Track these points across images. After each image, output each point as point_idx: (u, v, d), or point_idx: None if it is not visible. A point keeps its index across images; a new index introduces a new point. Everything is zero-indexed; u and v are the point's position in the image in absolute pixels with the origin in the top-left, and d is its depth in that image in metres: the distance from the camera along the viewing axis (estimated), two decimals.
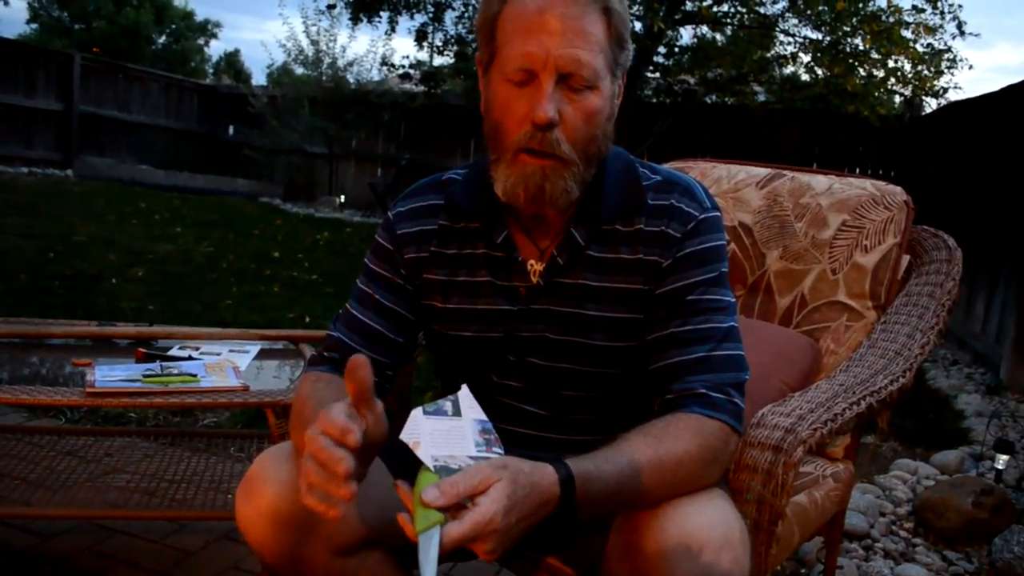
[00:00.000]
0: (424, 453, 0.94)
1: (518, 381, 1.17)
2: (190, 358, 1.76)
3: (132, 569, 1.93)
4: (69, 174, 10.26)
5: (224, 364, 1.69)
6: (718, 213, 1.15)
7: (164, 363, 1.69)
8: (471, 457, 0.94)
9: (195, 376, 1.61)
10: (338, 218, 9.72)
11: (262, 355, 1.92)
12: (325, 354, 1.20)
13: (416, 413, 0.97)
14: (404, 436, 0.95)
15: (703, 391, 1.05)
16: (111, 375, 1.59)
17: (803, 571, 2.10)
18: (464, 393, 1.01)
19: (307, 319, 4.19)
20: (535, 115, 1.03)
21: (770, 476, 1.09)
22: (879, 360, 1.47)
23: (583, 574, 1.14)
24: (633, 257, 1.12)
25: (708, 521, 0.95)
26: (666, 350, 1.09)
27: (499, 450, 0.97)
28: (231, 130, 12.64)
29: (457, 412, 0.99)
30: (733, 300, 1.13)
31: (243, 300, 4.56)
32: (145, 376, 1.59)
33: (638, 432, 1.01)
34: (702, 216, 1.13)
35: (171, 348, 1.85)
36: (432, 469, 0.92)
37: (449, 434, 0.96)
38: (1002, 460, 2.63)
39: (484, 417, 0.99)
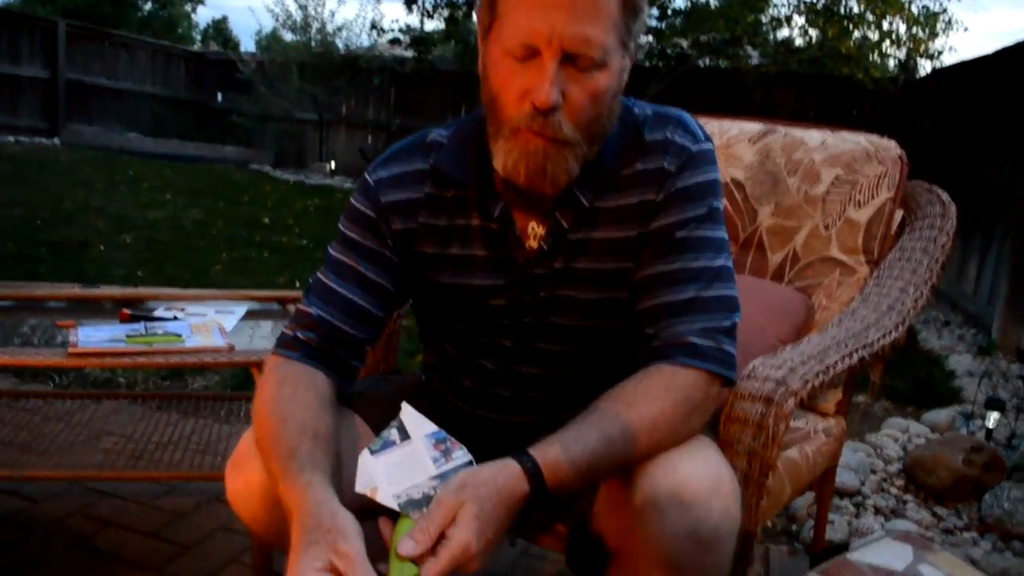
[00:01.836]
0: (384, 496, 0.91)
1: (510, 342, 1.14)
2: (175, 319, 1.74)
3: (122, 531, 1.93)
4: (56, 142, 10.14)
5: (210, 324, 1.67)
6: (711, 146, 1.09)
7: (148, 324, 1.66)
8: (433, 477, 0.92)
9: (180, 336, 1.59)
10: (328, 184, 9.64)
11: (249, 316, 1.89)
12: (299, 334, 1.08)
13: (364, 458, 0.94)
14: (359, 487, 0.93)
15: (687, 338, 1.00)
16: (94, 336, 1.56)
17: (794, 527, 2.10)
18: (407, 412, 0.98)
19: (297, 284, 4.17)
20: (536, 98, 0.95)
21: (761, 428, 1.08)
22: (872, 314, 1.45)
23: (574, 530, 1.13)
24: (633, 202, 1.07)
25: (697, 472, 0.93)
26: (652, 290, 1.05)
27: (460, 453, 0.95)
28: (220, 97, 12.50)
29: (405, 436, 0.96)
30: (726, 237, 1.08)
31: (233, 266, 4.53)
32: (129, 337, 1.56)
33: (607, 399, 0.98)
34: (696, 149, 1.07)
35: (156, 310, 1.83)
36: (399, 509, 0.90)
37: (404, 463, 0.94)
38: (993, 418, 2.64)
39: (434, 428, 0.97)
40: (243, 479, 1.04)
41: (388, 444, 0.94)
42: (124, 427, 2.23)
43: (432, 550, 0.84)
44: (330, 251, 1.13)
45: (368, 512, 0.91)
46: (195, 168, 9.21)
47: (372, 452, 0.93)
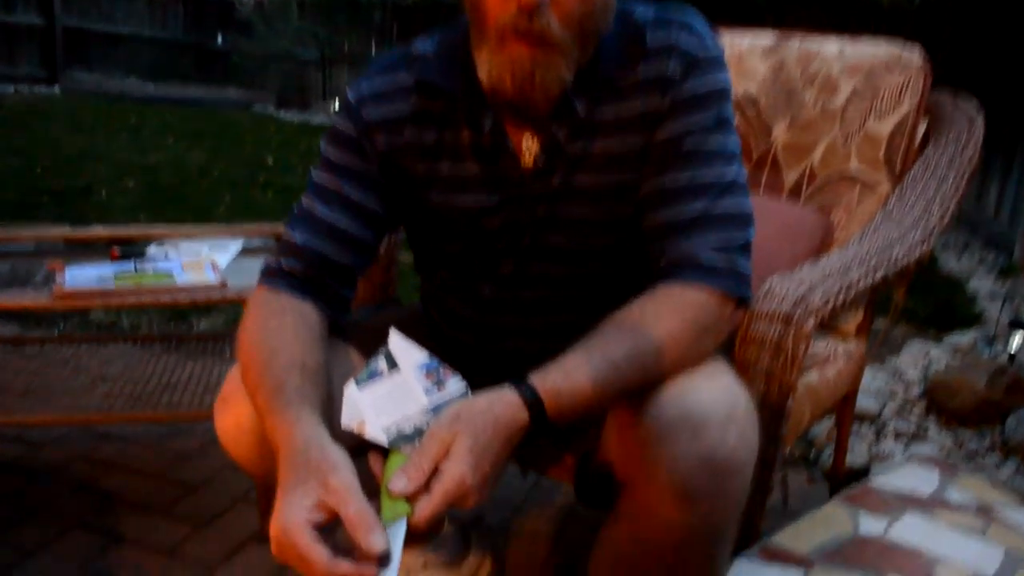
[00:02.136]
0: (372, 431, 0.85)
1: (508, 267, 1.06)
2: (166, 257, 1.68)
3: (127, 474, 1.90)
4: (56, 90, 10.00)
5: (202, 261, 1.61)
6: (720, 49, 1.00)
7: (139, 263, 1.60)
8: (425, 410, 0.86)
9: (170, 275, 1.53)
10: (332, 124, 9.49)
11: (245, 253, 1.83)
12: (283, 264, 1.01)
13: (349, 391, 0.87)
14: (345, 422, 0.86)
15: (698, 255, 0.93)
16: (82, 276, 1.50)
17: (812, 453, 2.05)
18: (395, 340, 0.90)
19: None
20: None
21: (779, 350, 1.01)
22: (895, 230, 1.37)
23: (581, 460, 1.07)
24: (635, 110, 0.98)
25: (709, 397, 0.87)
26: (658, 205, 0.97)
27: (454, 383, 0.88)
28: (219, 39, 12.26)
29: (393, 365, 0.89)
30: (738, 147, 0.99)
31: (236, 207, 4.46)
32: (117, 276, 1.50)
33: (611, 323, 0.90)
34: (703, 53, 0.98)
35: (148, 248, 1.76)
36: (388, 444, 0.84)
37: (393, 395, 0.87)
38: (1016, 340, 2.56)
39: (425, 356, 0.89)
40: (232, 417, 0.99)
41: (375, 375, 0.87)
42: (127, 370, 2.19)
43: (426, 486, 0.79)
44: (312, 176, 1.06)
45: (362, 452, 0.86)
46: (196, 111, 9.07)
47: (358, 384, 0.87)
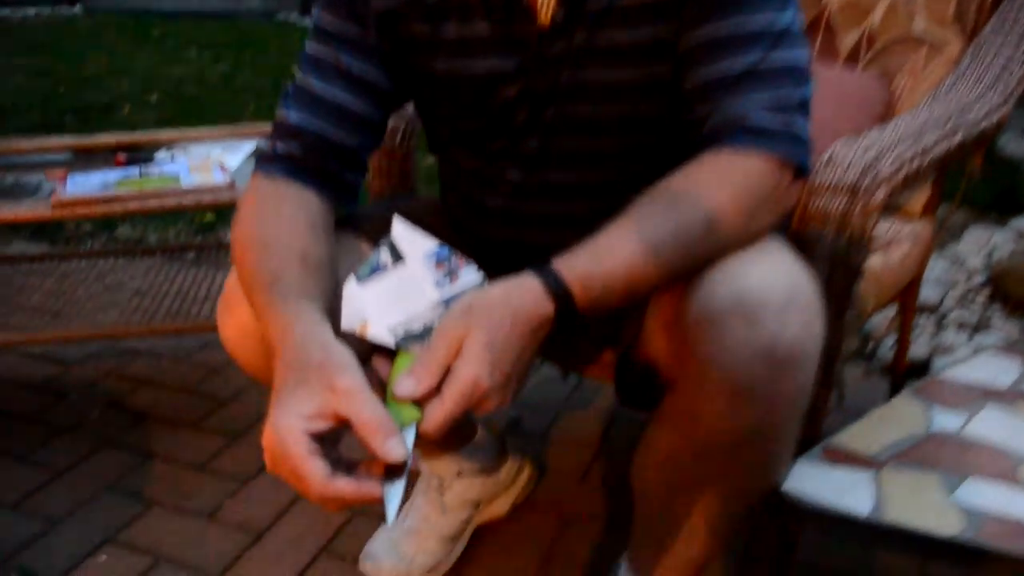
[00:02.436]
0: (377, 331, 0.74)
1: (533, 144, 0.93)
2: (173, 160, 1.58)
3: (157, 389, 1.86)
4: (77, 10, 9.83)
5: (210, 163, 1.50)
6: None
7: (144, 167, 1.51)
8: (436, 304, 0.75)
9: (176, 177, 1.43)
10: None
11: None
12: (278, 148, 0.90)
13: (350, 288, 0.76)
14: (345, 324, 0.75)
15: (748, 116, 0.79)
16: (83, 184, 1.42)
17: (869, 346, 1.94)
18: (399, 228, 0.78)
19: None
20: None
21: (845, 226, 0.89)
22: (970, 92, 1.22)
23: (621, 358, 0.97)
24: None
25: (767, 279, 0.74)
26: (701, 60, 0.82)
27: (468, 272, 0.76)
28: None
29: (398, 257, 0.77)
30: None
31: (260, 116, 4.34)
32: (120, 182, 1.41)
33: (648, 198, 0.78)
34: None
35: (158, 153, 1.66)
36: (395, 345, 0.73)
37: (399, 290, 0.76)
38: None
39: (434, 244, 0.77)
40: (234, 320, 0.90)
41: (378, 269, 0.77)
42: (155, 285, 2.12)
43: (437, 389, 0.69)
44: (306, 48, 0.93)
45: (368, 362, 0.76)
46: (220, 23, 8.86)
47: (359, 280, 0.76)
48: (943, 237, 2.60)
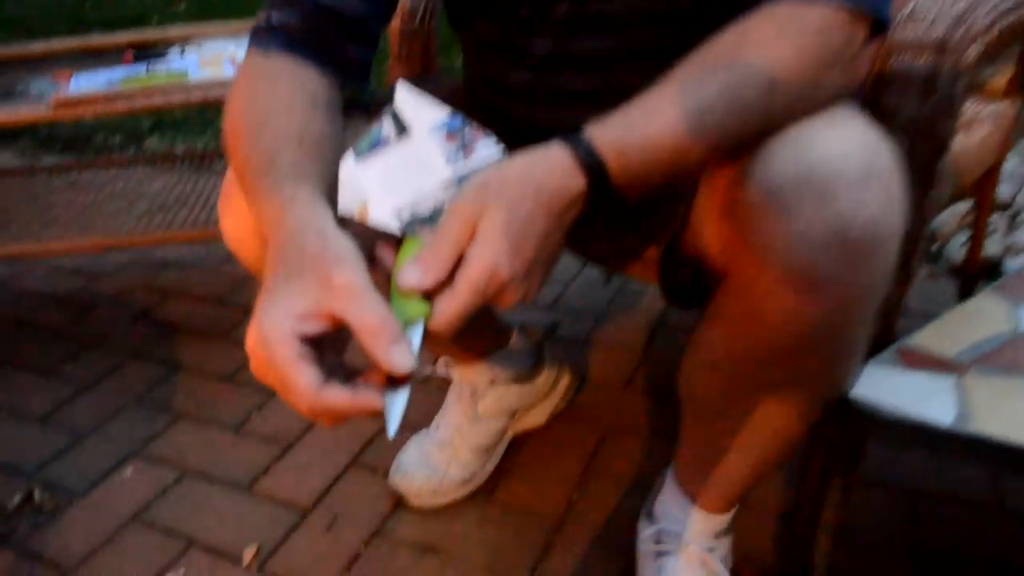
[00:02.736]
0: (379, 213, 0.63)
1: (565, 8, 0.80)
2: (183, 55, 1.47)
3: (185, 300, 1.81)
4: None
5: (221, 57, 1.40)
6: None
7: (152, 64, 1.41)
8: (447, 183, 0.64)
9: (184, 73, 1.33)
10: None
11: None
12: (274, 19, 0.78)
13: (347, 165, 0.65)
14: (343, 206, 0.64)
15: None
16: (88, 83, 1.32)
17: (936, 244, 1.79)
18: (402, 95, 0.66)
19: None
20: None
21: (931, 88, 0.75)
22: None
23: (667, 249, 0.86)
24: None
25: (840, 150, 0.62)
26: None
27: (485, 145, 0.65)
28: None
29: (403, 129, 0.65)
30: None
31: None
32: (125, 80, 1.32)
33: (698, 55, 0.65)
34: None
35: (168, 51, 1.56)
36: (401, 230, 0.63)
37: (404, 166, 0.65)
38: None
39: (444, 113, 0.66)
40: (233, 214, 0.81)
41: (379, 144, 0.66)
42: (184, 194, 2.05)
43: (448, 279, 0.59)
44: None
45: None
46: None
47: (357, 156, 0.65)
48: (1017, 129, 2.40)
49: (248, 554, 1.13)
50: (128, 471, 1.30)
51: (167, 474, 1.29)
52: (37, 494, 1.25)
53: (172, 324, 1.72)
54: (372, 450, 1.31)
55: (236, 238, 0.82)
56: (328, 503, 1.21)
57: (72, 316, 1.78)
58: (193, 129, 2.89)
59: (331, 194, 0.67)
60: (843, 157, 0.62)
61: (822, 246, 0.61)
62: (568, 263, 1.80)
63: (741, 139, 0.64)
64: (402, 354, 0.55)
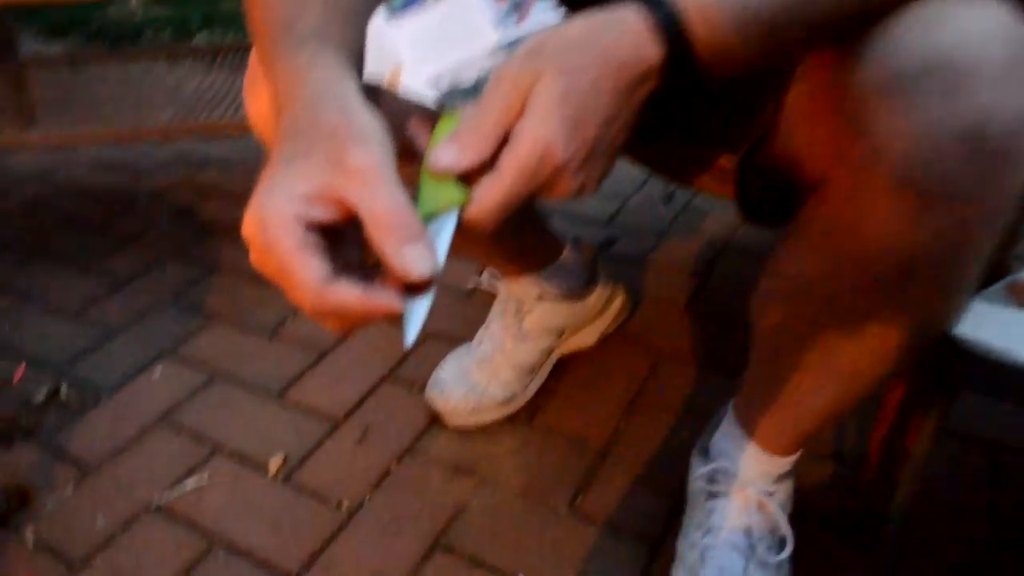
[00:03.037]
0: (412, 79, 0.52)
1: None
2: None
3: (226, 199, 1.75)
4: None
5: None
6: None
7: None
8: (495, 49, 0.53)
9: None
10: None
11: None
12: None
13: (377, 23, 0.54)
14: (371, 68, 0.53)
15: None
16: None
17: None
18: None
19: None
20: None
21: None
22: None
23: (747, 154, 0.75)
24: None
25: (977, 35, 0.50)
26: None
27: (544, 6, 0.53)
28: None
29: None
30: None
31: None
32: None
33: None
34: None
35: None
36: (436, 102, 0.52)
37: (446, 28, 0.54)
38: None
39: None
40: (257, 101, 0.72)
41: (412, 2, 0.55)
42: (229, 89, 1.98)
43: (491, 160, 0.49)
44: None
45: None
46: None
47: (392, 12, 0.55)
48: None
49: (274, 463, 1.08)
50: (157, 371, 1.25)
51: (197, 377, 1.24)
52: (64, 390, 1.21)
53: (211, 222, 1.66)
54: (409, 364, 1.23)
55: (262, 118, 0.73)
56: (360, 416, 1.15)
57: (111, 211, 1.72)
58: (242, 26, 2.79)
59: (358, 62, 0.57)
60: (982, 43, 0.50)
61: (949, 148, 0.50)
62: (627, 176, 1.68)
63: (857, 13, 0.52)
64: (418, 256, 0.44)
